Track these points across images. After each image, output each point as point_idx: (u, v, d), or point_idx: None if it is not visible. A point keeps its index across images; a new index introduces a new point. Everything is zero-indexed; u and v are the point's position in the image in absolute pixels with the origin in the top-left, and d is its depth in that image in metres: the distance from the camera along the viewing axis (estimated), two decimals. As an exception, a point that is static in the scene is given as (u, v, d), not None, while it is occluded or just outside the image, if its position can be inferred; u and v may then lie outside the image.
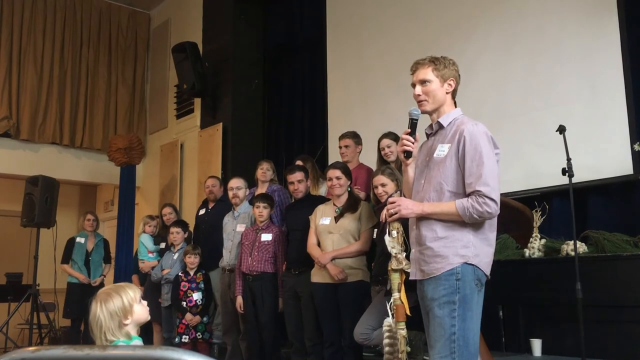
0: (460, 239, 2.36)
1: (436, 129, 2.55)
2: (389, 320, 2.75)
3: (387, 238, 2.61)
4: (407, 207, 2.45)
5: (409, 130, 2.54)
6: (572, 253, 3.65)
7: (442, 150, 2.45)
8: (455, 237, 2.37)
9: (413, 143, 2.54)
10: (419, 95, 2.52)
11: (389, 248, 2.59)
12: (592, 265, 3.75)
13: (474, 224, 2.37)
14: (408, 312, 2.59)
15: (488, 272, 2.43)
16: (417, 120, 2.54)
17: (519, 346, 4.03)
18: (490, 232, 2.44)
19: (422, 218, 2.43)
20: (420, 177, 2.54)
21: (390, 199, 2.57)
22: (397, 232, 2.57)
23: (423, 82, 2.51)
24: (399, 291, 2.58)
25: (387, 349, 2.83)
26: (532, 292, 4.07)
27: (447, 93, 2.52)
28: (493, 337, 3.86)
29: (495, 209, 2.33)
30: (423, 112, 2.55)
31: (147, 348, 1.13)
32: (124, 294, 2.10)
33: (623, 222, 3.98)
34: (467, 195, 2.35)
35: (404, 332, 2.63)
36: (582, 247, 3.87)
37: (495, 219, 2.45)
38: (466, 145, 2.37)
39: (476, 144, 2.36)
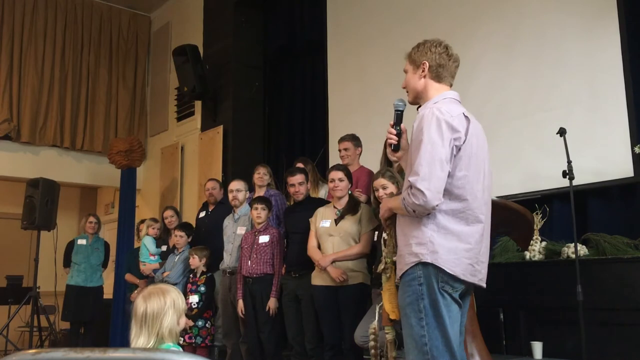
0: (417, 235, 2.16)
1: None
2: (374, 323, 2.75)
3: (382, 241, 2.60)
4: (382, 207, 2.43)
5: (392, 122, 2.43)
6: (573, 255, 3.65)
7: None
8: (412, 233, 2.17)
9: (399, 135, 2.41)
10: (403, 87, 2.48)
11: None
12: (593, 268, 3.75)
13: (434, 216, 2.14)
14: (394, 317, 2.45)
15: (458, 270, 2.13)
16: (401, 111, 2.44)
17: (520, 349, 4.02)
18: (463, 224, 2.17)
19: (399, 215, 2.30)
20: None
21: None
22: (388, 235, 2.47)
23: (405, 73, 2.47)
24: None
25: (372, 351, 2.86)
26: (532, 294, 4.07)
27: (423, 77, 2.36)
28: (494, 339, 3.85)
29: (423, 200, 2.07)
30: (410, 103, 2.48)
31: (148, 350, 1.13)
32: (180, 296, 2.07)
33: (624, 224, 3.98)
34: None
35: (389, 337, 2.58)
36: (582, 250, 3.87)
37: (472, 208, 2.18)
38: (414, 131, 2.23)
39: (421, 129, 2.17)
